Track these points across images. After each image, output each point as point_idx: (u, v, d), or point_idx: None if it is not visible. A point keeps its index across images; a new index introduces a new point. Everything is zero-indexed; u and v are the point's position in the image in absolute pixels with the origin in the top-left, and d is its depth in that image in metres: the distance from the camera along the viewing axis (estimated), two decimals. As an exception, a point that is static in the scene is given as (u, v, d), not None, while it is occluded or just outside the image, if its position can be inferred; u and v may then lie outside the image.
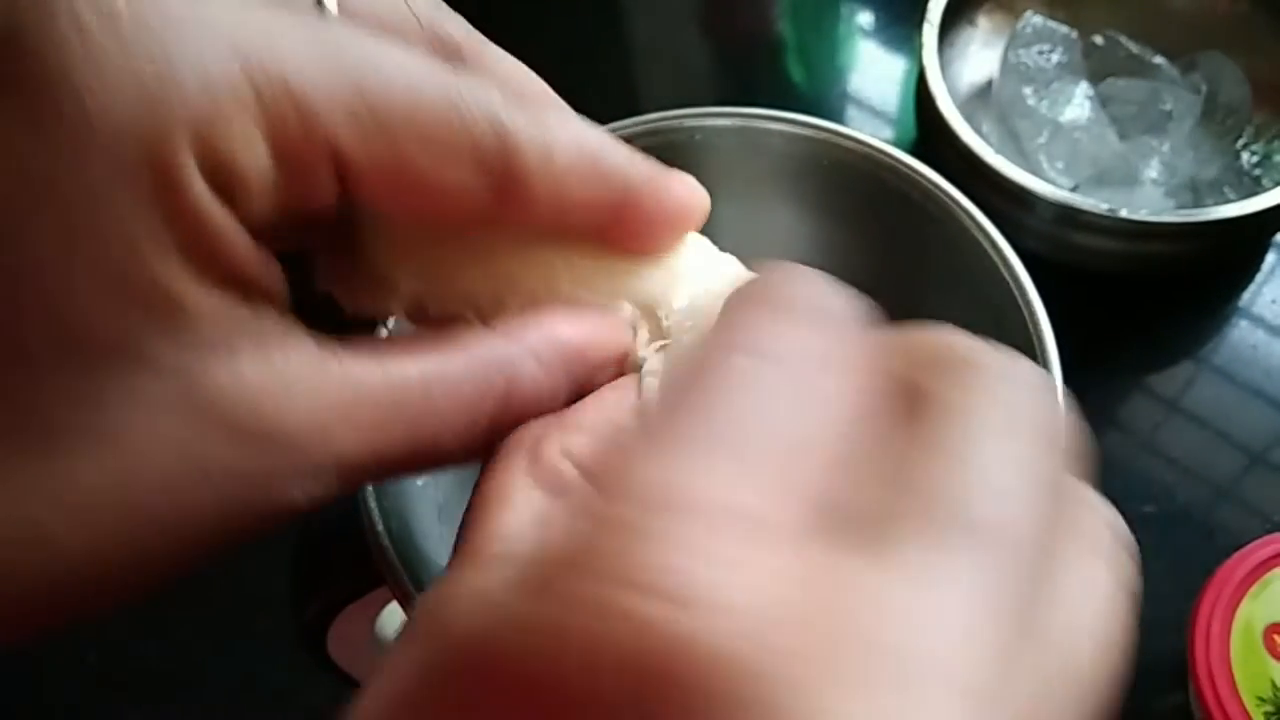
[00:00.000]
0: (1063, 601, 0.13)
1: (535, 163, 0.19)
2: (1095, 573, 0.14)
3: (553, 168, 0.19)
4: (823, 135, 0.33)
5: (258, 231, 0.17)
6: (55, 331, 0.15)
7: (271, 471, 0.16)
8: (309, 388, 0.17)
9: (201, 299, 0.16)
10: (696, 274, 0.22)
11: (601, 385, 0.20)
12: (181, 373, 0.16)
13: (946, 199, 0.31)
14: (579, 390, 0.19)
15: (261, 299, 0.17)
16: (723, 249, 0.37)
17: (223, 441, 0.16)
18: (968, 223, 0.31)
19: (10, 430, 0.15)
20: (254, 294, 0.17)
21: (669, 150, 0.34)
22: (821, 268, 0.39)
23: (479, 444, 0.18)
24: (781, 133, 0.33)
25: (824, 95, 0.61)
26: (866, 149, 0.32)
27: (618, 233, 0.21)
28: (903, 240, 0.33)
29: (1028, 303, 0.29)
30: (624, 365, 0.21)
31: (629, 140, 0.33)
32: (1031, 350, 0.28)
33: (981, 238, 0.30)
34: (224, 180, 0.16)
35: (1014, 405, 0.14)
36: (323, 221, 0.19)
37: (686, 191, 0.21)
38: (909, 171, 0.32)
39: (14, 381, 0.15)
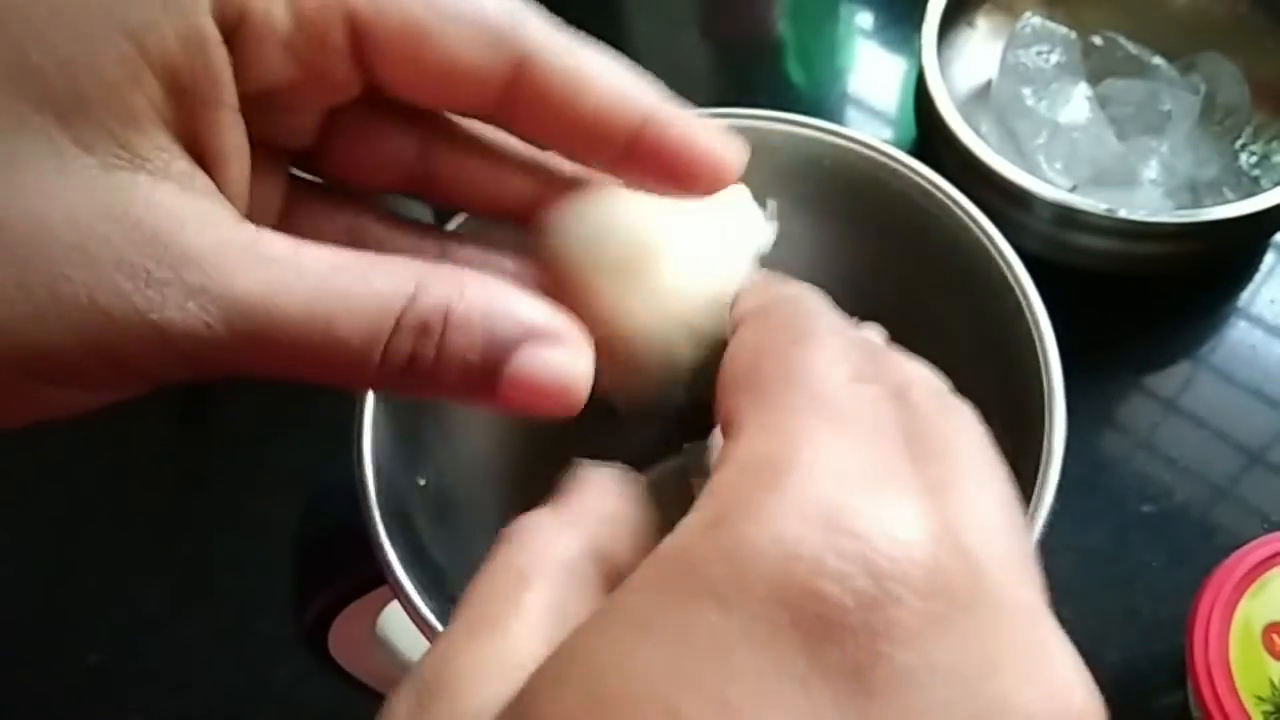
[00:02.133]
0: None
1: (549, 53, 0.20)
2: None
3: (567, 60, 0.20)
4: (823, 136, 0.33)
5: (263, 96, 0.19)
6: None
7: (151, 278, 0.17)
8: (216, 231, 0.18)
9: (152, 129, 0.18)
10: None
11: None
12: (110, 168, 0.17)
13: (946, 199, 0.31)
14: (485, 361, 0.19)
15: (211, 166, 0.18)
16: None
17: (119, 231, 0.17)
18: (968, 223, 0.31)
19: None
20: (205, 155, 0.18)
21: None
22: (821, 268, 0.39)
23: (378, 369, 0.18)
24: (782, 133, 0.33)
25: (824, 96, 0.61)
26: (867, 150, 0.32)
27: (642, 162, 0.21)
28: (903, 241, 0.33)
29: (1028, 303, 0.29)
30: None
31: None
32: (1033, 350, 0.28)
33: (982, 238, 0.30)
34: (234, 15, 0.18)
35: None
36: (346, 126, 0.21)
37: (716, 136, 0.21)
38: (909, 172, 0.32)
39: None
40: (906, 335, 0.35)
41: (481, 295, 0.19)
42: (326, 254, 0.18)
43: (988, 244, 0.30)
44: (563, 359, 0.19)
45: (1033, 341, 0.28)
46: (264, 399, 0.51)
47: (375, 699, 0.36)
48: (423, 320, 0.18)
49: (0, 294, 0.16)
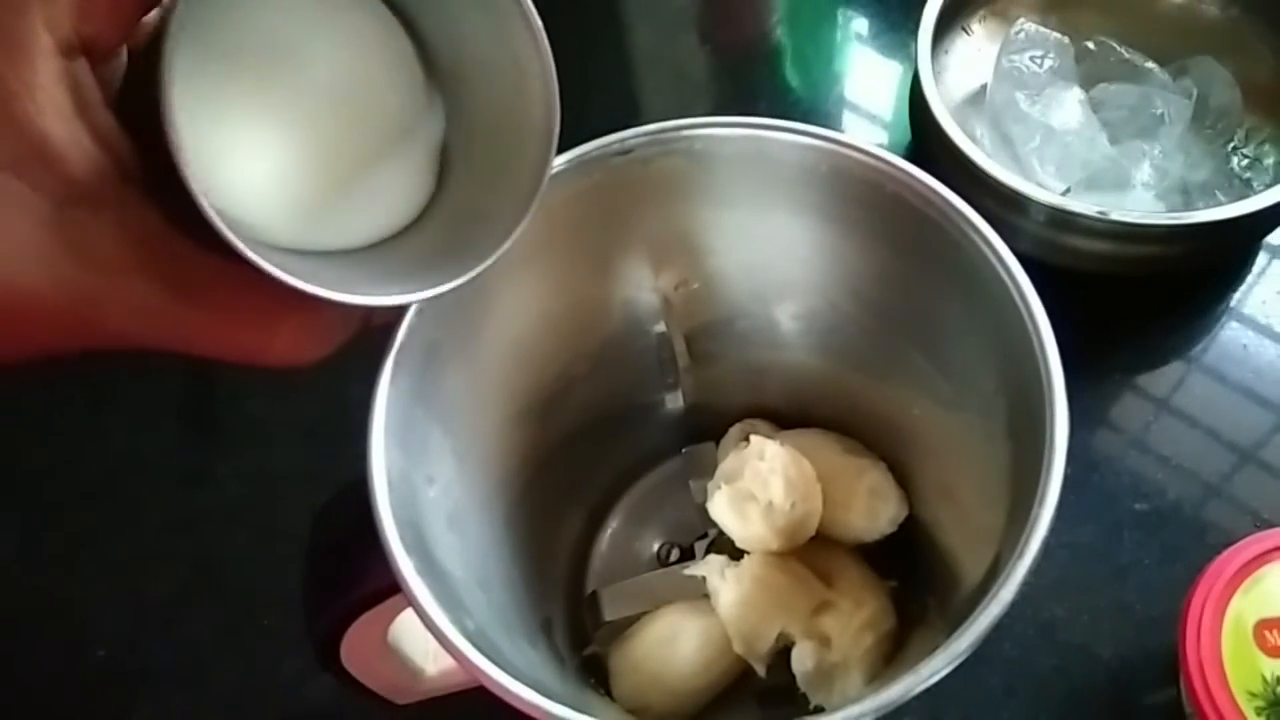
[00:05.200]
0: None
1: None
2: None
3: None
4: (820, 142, 0.33)
5: None
6: None
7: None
8: None
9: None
10: None
11: None
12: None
13: (942, 203, 0.31)
14: None
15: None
16: (726, 254, 0.38)
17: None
18: (964, 226, 0.31)
19: None
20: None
21: (670, 159, 0.34)
22: (819, 272, 0.39)
23: None
24: (779, 140, 0.33)
25: (821, 101, 0.62)
26: (863, 155, 0.33)
27: None
28: (902, 244, 0.33)
29: (1026, 304, 0.29)
30: None
31: (630, 150, 0.33)
32: (1031, 351, 0.28)
33: (979, 240, 0.30)
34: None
35: None
36: None
37: None
38: (905, 177, 0.32)
39: None
40: (906, 339, 0.36)
41: None
42: None
43: (985, 246, 0.30)
44: None
45: (1031, 343, 0.28)
46: (268, 397, 0.51)
47: (380, 700, 0.37)
48: None
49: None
